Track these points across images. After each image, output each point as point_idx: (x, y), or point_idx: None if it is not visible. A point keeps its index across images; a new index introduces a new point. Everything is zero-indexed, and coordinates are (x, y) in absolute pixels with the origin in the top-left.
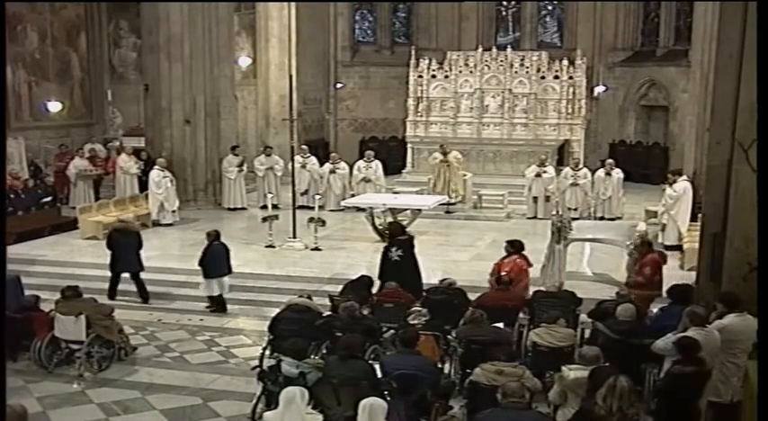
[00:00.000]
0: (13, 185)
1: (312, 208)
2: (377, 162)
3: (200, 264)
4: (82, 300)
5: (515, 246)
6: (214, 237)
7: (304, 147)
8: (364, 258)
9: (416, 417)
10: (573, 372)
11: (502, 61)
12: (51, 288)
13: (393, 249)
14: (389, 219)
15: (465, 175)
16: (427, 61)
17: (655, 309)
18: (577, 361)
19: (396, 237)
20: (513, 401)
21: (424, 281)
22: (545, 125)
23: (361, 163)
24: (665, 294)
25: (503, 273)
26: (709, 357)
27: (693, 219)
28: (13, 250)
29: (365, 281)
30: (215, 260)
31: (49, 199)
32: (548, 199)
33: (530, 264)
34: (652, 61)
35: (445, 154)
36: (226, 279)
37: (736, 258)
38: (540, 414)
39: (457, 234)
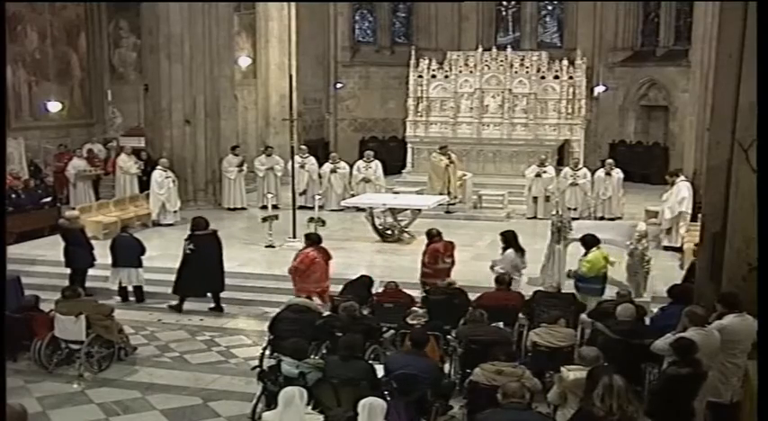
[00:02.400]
0: (13, 185)
1: (312, 208)
2: (376, 162)
3: (111, 250)
4: (82, 300)
5: (311, 239)
6: (124, 228)
7: (303, 147)
8: (364, 258)
9: (416, 417)
10: (572, 373)
11: (502, 61)
12: (51, 288)
13: (186, 243)
14: (388, 219)
15: (465, 175)
16: (427, 61)
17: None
18: (577, 361)
19: (194, 231)
20: (514, 402)
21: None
22: (545, 125)
23: (360, 163)
24: (665, 294)
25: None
26: (708, 357)
27: (693, 219)
28: (13, 250)
29: (365, 281)
30: (120, 250)
31: (48, 199)
32: (548, 199)
33: (328, 257)
34: (652, 61)
35: (448, 155)
36: (138, 271)
37: (736, 258)
38: (540, 414)
39: (457, 234)
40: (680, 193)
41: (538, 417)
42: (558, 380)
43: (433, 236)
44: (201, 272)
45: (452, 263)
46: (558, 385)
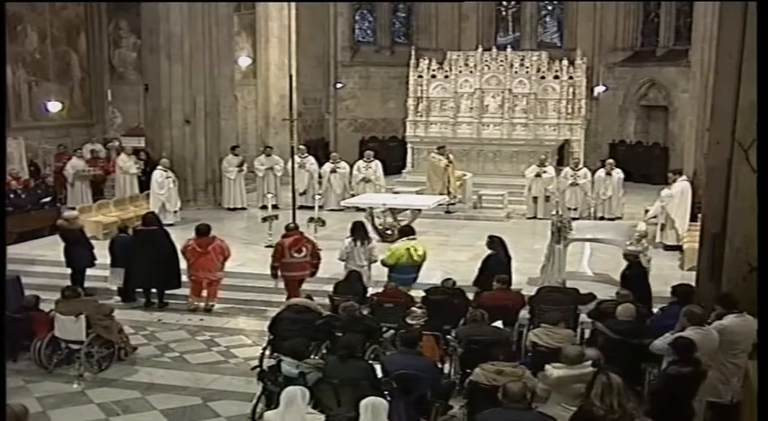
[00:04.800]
0: (12, 185)
1: (312, 208)
2: (377, 162)
3: (110, 250)
4: (82, 300)
5: (197, 229)
6: (121, 228)
7: (302, 147)
8: None
9: (416, 417)
10: (556, 371)
11: (502, 61)
12: (51, 288)
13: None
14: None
15: (464, 175)
16: (427, 61)
17: None
18: (562, 360)
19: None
20: (514, 402)
21: (424, 281)
22: (545, 125)
23: (360, 163)
24: (665, 294)
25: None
26: (707, 357)
27: (693, 219)
28: (13, 250)
29: (355, 276)
30: (119, 250)
31: (48, 199)
32: (548, 199)
33: (205, 247)
34: (652, 61)
35: (446, 155)
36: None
37: (736, 258)
38: (540, 414)
39: (457, 234)
40: (670, 191)
41: (539, 417)
42: (542, 378)
43: (289, 229)
44: (138, 265)
45: (313, 258)
46: (543, 383)
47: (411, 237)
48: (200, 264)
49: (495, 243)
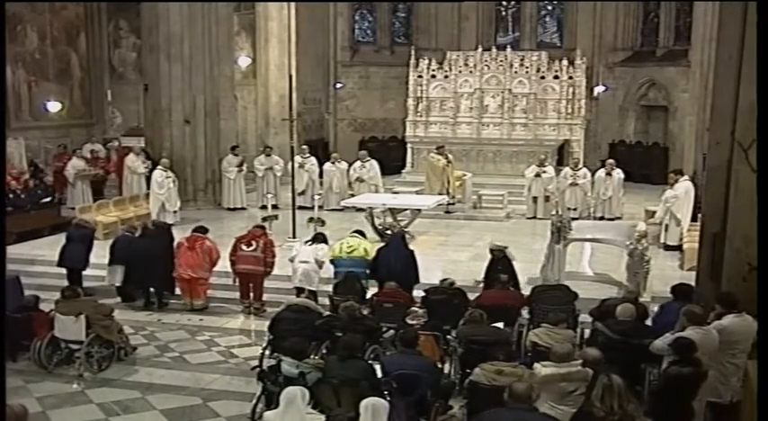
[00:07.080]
0: (12, 186)
1: (311, 208)
2: (372, 161)
3: (110, 249)
4: (82, 300)
5: (196, 229)
6: (127, 228)
7: (304, 147)
8: None
9: (416, 417)
10: (545, 369)
11: (502, 61)
12: (51, 288)
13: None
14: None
15: (464, 175)
16: (427, 61)
17: None
18: (551, 358)
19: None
20: (519, 402)
21: (424, 281)
22: (545, 125)
23: (357, 163)
24: (665, 294)
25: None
26: (707, 357)
27: (694, 219)
28: (13, 250)
29: (352, 275)
30: (119, 248)
31: (48, 199)
32: (547, 199)
33: (187, 240)
34: (652, 61)
35: (445, 155)
36: None
37: (736, 258)
38: (544, 415)
39: (456, 234)
40: (674, 192)
41: (542, 418)
42: (530, 377)
43: (255, 227)
44: (138, 264)
45: (265, 255)
46: (529, 380)
47: (352, 233)
48: (184, 259)
49: (396, 236)
